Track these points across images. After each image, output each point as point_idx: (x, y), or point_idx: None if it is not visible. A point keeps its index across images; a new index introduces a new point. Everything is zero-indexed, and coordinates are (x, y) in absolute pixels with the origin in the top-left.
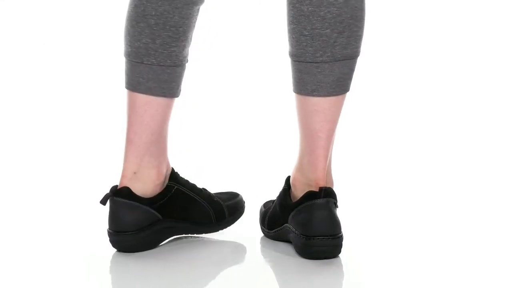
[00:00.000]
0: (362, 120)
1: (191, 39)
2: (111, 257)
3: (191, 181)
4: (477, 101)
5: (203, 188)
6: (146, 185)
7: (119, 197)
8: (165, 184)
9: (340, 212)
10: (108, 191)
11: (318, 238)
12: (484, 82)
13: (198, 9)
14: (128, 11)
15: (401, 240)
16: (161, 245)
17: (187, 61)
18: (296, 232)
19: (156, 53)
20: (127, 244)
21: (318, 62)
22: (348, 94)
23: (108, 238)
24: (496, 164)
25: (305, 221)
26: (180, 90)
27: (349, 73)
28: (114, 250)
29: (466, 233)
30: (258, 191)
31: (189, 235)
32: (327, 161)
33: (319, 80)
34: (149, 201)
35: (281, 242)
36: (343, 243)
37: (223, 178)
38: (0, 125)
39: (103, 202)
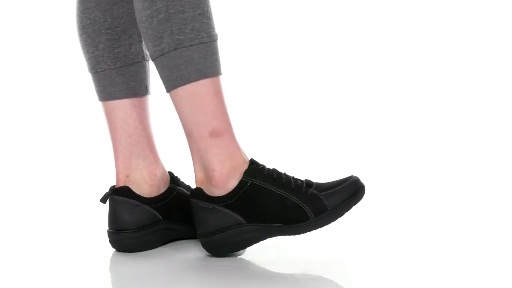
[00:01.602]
0: (363, 119)
1: (138, 35)
2: (111, 257)
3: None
4: (474, 98)
5: None
6: (141, 186)
7: (118, 195)
8: (165, 187)
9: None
10: (108, 190)
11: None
12: (481, 79)
13: None
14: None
15: (400, 241)
16: (159, 247)
17: (144, 59)
18: None
19: (103, 58)
20: (127, 242)
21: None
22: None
23: (108, 239)
24: (494, 159)
25: None
26: (145, 88)
27: (161, 72)
28: (114, 250)
29: (465, 232)
30: None
31: (189, 238)
32: (194, 157)
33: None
34: (150, 201)
35: (281, 242)
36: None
37: None
38: (0, 125)
39: (103, 200)
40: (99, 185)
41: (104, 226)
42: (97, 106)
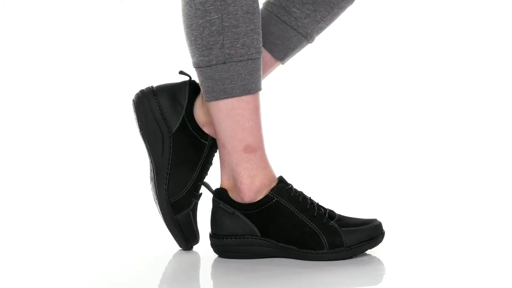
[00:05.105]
0: (365, 120)
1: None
2: (111, 257)
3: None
4: (475, 99)
5: None
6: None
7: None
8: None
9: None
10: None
11: None
12: (482, 81)
13: None
14: None
15: (399, 242)
16: (161, 245)
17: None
18: None
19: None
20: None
21: None
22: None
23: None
24: (495, 162)
25: None
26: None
27: (203, 81)
28: (115, 249)
29: (466, 233)
30: None
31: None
32: (224, 167)
33: None
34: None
35: None
36: None
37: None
38: (1, 125)
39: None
40: (99, 184)
41: (104, 225)
42: (97, 106)
